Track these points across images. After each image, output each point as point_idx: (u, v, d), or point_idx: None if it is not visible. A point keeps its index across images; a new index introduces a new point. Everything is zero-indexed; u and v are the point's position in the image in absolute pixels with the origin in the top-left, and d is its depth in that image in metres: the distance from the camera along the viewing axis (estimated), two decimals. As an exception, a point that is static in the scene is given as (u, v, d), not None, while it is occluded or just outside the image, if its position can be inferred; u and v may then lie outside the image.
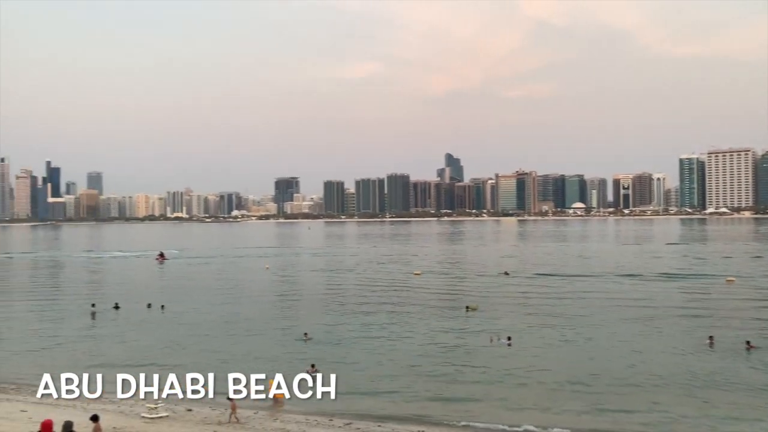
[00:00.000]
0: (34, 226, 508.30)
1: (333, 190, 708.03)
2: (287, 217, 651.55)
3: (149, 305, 50.03)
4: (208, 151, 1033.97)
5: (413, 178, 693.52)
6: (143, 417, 22.20)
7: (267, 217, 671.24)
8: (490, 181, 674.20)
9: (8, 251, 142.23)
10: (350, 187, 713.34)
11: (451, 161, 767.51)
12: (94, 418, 17.89)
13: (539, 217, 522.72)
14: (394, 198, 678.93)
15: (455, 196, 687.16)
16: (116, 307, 48.95)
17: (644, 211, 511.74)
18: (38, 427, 18.19)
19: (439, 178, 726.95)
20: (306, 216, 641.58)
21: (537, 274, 72.57)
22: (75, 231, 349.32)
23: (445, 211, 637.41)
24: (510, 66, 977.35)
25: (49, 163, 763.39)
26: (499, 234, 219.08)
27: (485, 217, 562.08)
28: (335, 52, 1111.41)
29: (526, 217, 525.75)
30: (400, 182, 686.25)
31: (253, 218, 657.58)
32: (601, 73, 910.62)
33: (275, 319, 43.91)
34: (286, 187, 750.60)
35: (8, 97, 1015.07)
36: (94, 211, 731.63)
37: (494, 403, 25.32)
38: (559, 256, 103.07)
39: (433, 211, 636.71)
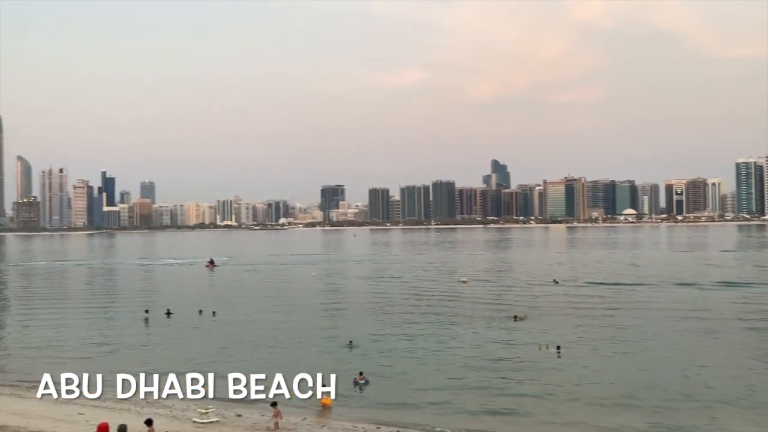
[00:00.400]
0: (90, 235, 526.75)
1: (378, 197, 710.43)
2: (333, 224, 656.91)
3: (200, 311, 51.17)
4: (256, 159, 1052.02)
5: (459, 185, 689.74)
6: (195, 422, 22.63)
7: (313, 224, 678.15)
8: (537, 188, 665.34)
9: (65, 259, 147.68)
10: (395, 195, 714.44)
11: (498, 167, 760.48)
12: (149, 422, 18.33)
13: (589, 224, 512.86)
14: (439, 205, 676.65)
15: (502, 203, 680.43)
16: (168, 314, 50.15)
17: (698, 218, 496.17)
18: (95, 429, 18.79)
19: (485, 185, 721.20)
20: (351, 223, 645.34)
21: (587, 282, 71.09)
22: (129, 239, 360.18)
23: (491, 218, 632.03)
24: (557, 70, 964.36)
25: (104, 173, 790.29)
26: (548, 241, 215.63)
27: (533, 225, 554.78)
28: (381, 59, 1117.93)
29: (575, 224, 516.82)
30: (445, 189, 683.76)
31: (300, 226, 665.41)
32: (652, 75, 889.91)
33: (321, 327, 44.15)
34: (331, 195, 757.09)
35: (65, 110, 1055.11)
36: (147, 220, 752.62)
37: (544, 417, 24.76)
38: (610, 264, 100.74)
39: (479, 219, 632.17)
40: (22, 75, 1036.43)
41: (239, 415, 23.70)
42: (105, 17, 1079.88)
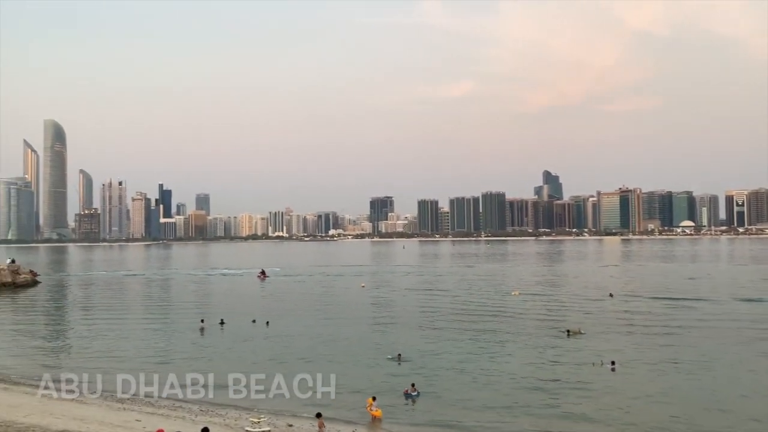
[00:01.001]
0: (147, 245, 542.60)
1: (427, 209, 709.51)
2: (382, 236, 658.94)
3: (254, 321, 52.10)
4: (307, 171, 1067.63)
5: (509, 197, 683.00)
6: (247, 430, 22.93)
7: (362, 236, 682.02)
8: (591, 199, 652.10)
9: (125, 269, 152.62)
10: (444, 206, 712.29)
11: (550, 179, 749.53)
12: (205, 431, 18.67)
13: (644, 236, 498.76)
14: (489, 217, 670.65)
15: (554, 215, 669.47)
16: (222, 323, 51.18)
17: (762, 230, 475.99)
18: (152, 436, 19.28)
19: (536, 196, 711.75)
20: (400, 235, 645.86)
21: (644, 296, 69.06)
22: (184, 250, 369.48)
23: (543, 230, 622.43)
24: (611, 79, 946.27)
25: (161, 185, 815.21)
26: (602, 254, 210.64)
27: (586, 237, 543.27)
28: (431, 71, 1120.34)
29: (630, 236, 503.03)
30: (495, 200, 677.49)
31: (349, 237, 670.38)
32: (709, 83, 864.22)
33: (370, 339, 44.20)
34: (380, 207, 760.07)
35: (124, 125, 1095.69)
36: (201, 231, 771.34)
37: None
38: (668, 277, 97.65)
39: (530, 230, 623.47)
40: (83, 92, 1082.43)
41: (290, 425, 23.91)
42: (165, 33, 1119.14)
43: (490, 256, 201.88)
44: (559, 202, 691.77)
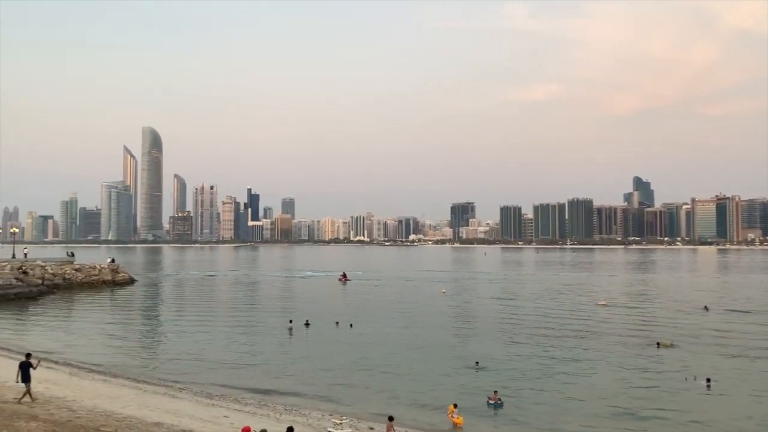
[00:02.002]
0: (236, 247, 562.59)
1: (510, 215, 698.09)
2: (463, 242, 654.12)
3: (337, 323, 53.07)
4: (389, 176, 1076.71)
5: (597, 203, 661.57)
6: (329, 431, 23.31)
7: (443, 241, 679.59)
8: (685, 207, 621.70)
9: (215, 270, 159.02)
10: (528, 213, 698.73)
11: (640, 185, 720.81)
12: (290, 430, 19.13)
13: (744, 246, 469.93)
14: (575, 224, 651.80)
15: (644, 223, 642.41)
16: (307, 324, 52.41)
17: None
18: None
19: (626, 203, 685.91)
20: (482, 241, 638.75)
21: (742, 311, 64.98)
22: (270, 252, 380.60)
23: (632, 238, 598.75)
24: (707, 81, 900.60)
25: (249, 190, 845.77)
26: (696, 264, 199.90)
27: (679, 246, 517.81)
28: (514, 74, 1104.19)
29: (727, 246, 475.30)
30: (582, 207, 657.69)
31: (430, 242, 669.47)
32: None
33: (449, 345, 43.90)
34: (461, 212, 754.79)
35: (216, 131, 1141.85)
36: (287, 234, 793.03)
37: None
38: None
39: (619, 239, 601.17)
40: (179, 101, 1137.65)
41: (371, 429, 24.12)
42: (255, 44, 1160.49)
43: (576, 264, 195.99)
44: (650, 209, 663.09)
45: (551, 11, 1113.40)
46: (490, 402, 28.07)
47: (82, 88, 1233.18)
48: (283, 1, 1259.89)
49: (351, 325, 52.21)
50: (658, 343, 42.93)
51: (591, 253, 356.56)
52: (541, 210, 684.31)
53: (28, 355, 24.54)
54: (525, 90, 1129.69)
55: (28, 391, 23.24)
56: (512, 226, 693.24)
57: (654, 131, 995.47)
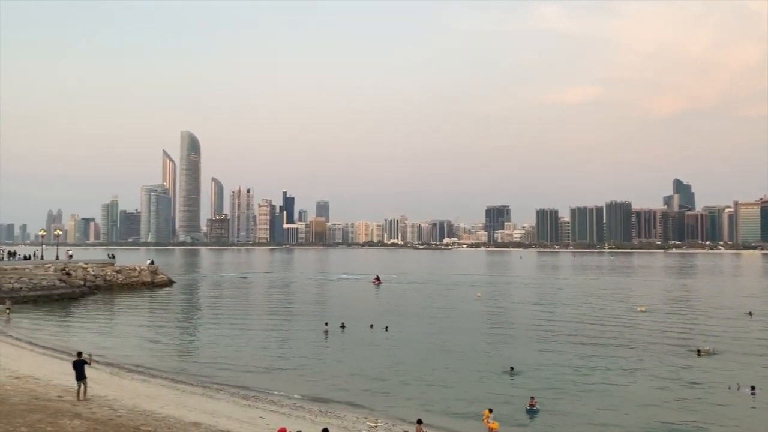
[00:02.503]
0: (271, 250, 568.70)
1: (546, 218, 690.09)
2: (498, 245, 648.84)
3: (371, 326, 53.19)
4: (422, 179, 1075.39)
5: (636, 206, 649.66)
6: (363, 434, 23.36)
7: (477, 245, 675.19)
8: (727, 210, 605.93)
9: (251, 271, 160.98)
10: (565, 216, 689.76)
11: (680, 188, 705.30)
12: (325, 432, 19.25)
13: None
14: (613, 227, 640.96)
15: (685, 226, 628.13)
16: (342, 327, 52.63)
17: None
18: (275, 433, 20.14)
19: (665, 206, 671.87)
20: (517, 245, 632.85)
21: (788, 317, 62.89)
22: (305, 254, 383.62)
23: (672, 242, 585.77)
24: (750, 82, 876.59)
25: (285, 193, 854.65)
26: (740, 269, 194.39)
27: (722, 250, 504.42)
28: (549, 77, 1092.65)
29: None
30: (620, 210, 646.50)
31: (464, 246, 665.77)
32: None
33: (483, 350, 43.52)
34: (496, 216, 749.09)
35: (253, 135, 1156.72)
36: (321, 237, 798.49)
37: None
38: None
39: (658, 242, 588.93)
40: (216, 106, 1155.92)
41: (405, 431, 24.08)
42: (289, 48, 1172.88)
43: (614, 268, 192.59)
44: (691, 212, 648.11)
45: (588, 12, 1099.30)
46: (530, 408, 27.70)
47: (122, 94, 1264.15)
48: (315, 1, 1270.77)
49: (386, 329, 52.28)
50: (699, 351, 41.86)
51: (629, 257, 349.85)
52: (578, 213, 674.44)
53: (80, 354, 25.26)
54: (561, 92, 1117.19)
55: (83, 388, 24.08)
56: (548, 230, 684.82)
57: (694, 133, 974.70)
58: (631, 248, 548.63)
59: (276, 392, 30.91)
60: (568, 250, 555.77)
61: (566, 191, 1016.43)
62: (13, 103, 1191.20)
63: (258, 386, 32.29)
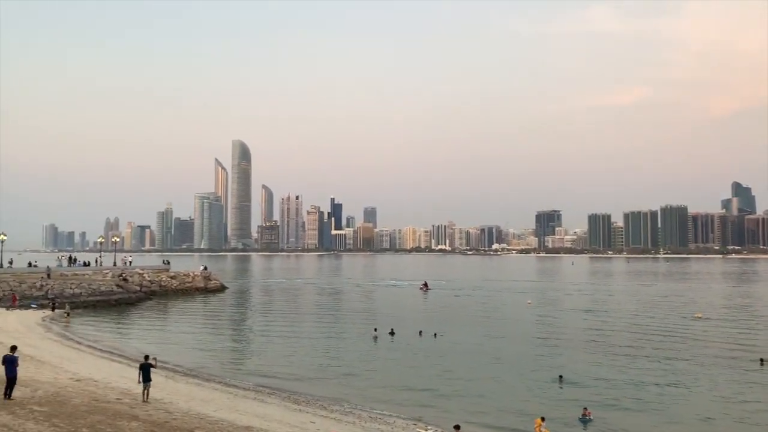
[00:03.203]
0: (320, 256, 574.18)
1: (598, 223, 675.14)
2: (548, 251, 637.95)
3: (420, 333, 53.05)
4: (470, 184, 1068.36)
5: (692, 210, 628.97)
6: (413, 440, 23.32)
7: (527, 251, 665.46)
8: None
9: (301, 277, 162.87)
10: (618, 221, 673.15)
11: (740, 191, 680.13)
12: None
13: None
14: (668, 232, 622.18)
15: (745, 231, 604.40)
16: (391, 333, 52.68)
17: None
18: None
19: (724, 210, 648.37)
20: (569, 251, 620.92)
21: None
22: (353, 260, 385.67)
23: (732, 247, 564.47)
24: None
25: (333, 199, 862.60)
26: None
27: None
28: (600, 78, 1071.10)
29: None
30: (676, 214, 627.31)
31: (514, 252, 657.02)
32: None
33: (532, 358, 42.78)
34: (547, 221, 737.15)
35: (299, 143, 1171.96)
36: (368, 243, 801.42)
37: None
38: None
39: (716, 248, 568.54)
40: (265, 114, 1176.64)
41: (455, 439, 23.88)
42: (335, 60, 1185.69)
43: (669, 274, 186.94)
44: (751, 216, 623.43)
45: (639, 12, 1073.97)
46: (583, 417, 27.09)
47: (175, 104, 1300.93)
48: (362, 10, 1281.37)
49: (435, 335, 52.05)
50: (761, 360, 40.21)
51: (686, 262, 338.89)
52: (632, 217, 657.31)
53: (147, 357, 26.16)
54: (612, 94, 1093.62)
55: (146, 390, 24.99)
56: (601, 235, 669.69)
57: (753, 134, 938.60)
58: (688, 253, 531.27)
59: (326, 397, 31.15)
60: (621, 255, 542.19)
61: (619, 195, 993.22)
62: (70, 115, 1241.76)
63: (308, 391, 32.61)
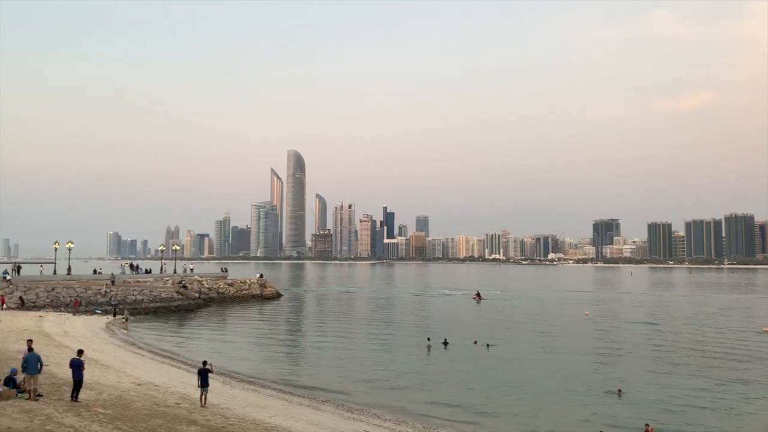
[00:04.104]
0: (372, 264, 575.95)
1: (658, 232, 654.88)
2: (606, 261, 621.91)
3: (475, 342, 52.53)
4: (525, 193, 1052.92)
5: (759, 219, 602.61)
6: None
7: (584, 260, 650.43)
8: None
9: (354, 286, 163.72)
10: (679, 230, 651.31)
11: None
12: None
13: None
14: (734, 242, 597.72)
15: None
16: (445, 343, 52.34)
17: None
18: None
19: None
20: (627, 261, 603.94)
21: None
22: (405, 269, 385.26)
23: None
24: None
25: (385, 208, 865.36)
26: None
27: None
28: (662, 84, 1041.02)
29: None
30: (741, 224, 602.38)
31: (570, 262, 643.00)
32: None
33: (589, 371, 41.71)
34: (605, 230, 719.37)
35: (353, 150, 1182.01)
36: (421, 251, 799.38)
37: None
38: None
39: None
40: (319, 124, 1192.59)
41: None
42: (387, 72, 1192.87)
43: (734, 285, 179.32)
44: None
45: (704, 14, 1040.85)
46: (645, 433, 26.20)
47: (232, 115, 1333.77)
48: (416, 19, 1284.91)
49: (488, 346, 51.41)
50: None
51: (752, 273, 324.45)
52: (694, 227, 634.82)
53: (205, 363, 26.83)
54: (675, 99, 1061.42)
55: (204, 395, 25.58)
56: (661, 245, 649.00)
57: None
58: (755, 264, 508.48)
59: (379, 406, 31.15)
60: (683, 266, 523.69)
61: (680, 203, 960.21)
62: (127, 123, 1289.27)
63: (361, 400, 32.70)
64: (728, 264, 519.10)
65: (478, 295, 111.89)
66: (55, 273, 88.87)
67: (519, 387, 36.25)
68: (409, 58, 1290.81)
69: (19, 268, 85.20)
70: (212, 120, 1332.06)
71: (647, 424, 26.81)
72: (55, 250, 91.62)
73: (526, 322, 73.19)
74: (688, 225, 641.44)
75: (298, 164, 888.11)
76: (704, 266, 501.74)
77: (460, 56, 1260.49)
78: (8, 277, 75.22)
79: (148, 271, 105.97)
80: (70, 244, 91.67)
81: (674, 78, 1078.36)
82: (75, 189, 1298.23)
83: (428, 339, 52.81)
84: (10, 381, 23.14)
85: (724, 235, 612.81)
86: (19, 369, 23.42)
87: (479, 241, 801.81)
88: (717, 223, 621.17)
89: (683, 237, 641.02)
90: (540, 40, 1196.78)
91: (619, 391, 34.38)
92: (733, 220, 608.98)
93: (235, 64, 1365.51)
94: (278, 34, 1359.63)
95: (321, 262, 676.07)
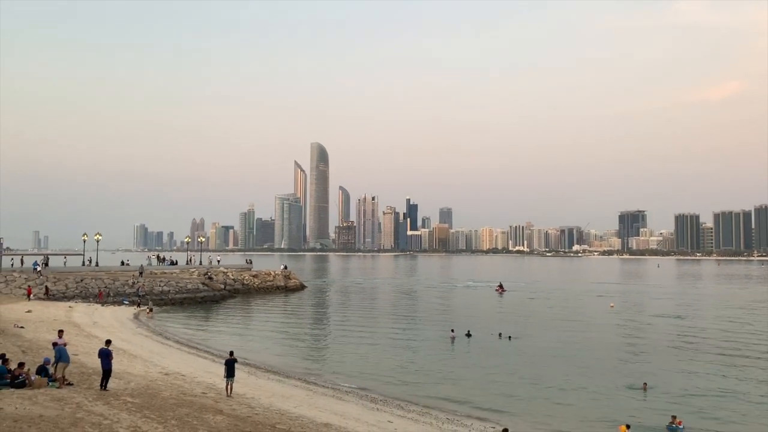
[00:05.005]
0: (395, 256, 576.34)
1: (686, 224, 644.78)
2: (632, 253, 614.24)
3: (500, 335, 52.34)
4: (550, 184, 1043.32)
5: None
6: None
7: (610, 252, 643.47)
8: None
9: (378, 277, 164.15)
10: (707, 221, 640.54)
11: None
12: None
13: None
14: (764, 233, 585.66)
15: None
16: (468, 335, 52.24)
17: None
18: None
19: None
20: (654, 252, 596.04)
21: None
22: (428, 261, 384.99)
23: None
24: None
25: (408, 200, 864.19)
26: None
27: None
28: (688, 73, 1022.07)
29: None
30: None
31: (595, 254, 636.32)
32: None
33: (614, 364, 41.27)
34: (631, 222, 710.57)
35: (375, 145, 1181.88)
36: (444, 243, 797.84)
37: None
38: None
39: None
40: (341, 114, 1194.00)
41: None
42: (401, 63, 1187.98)
43: (764, 278, 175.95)
44: None
45: (726, 3, 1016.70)
46: (672, 425, 25.89)
47: (258, 108, 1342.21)
48: (442, 12, 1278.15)
49: (509, 338, 51.14)
50: None
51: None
52: (723, 218, 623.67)
53: (231, 353, 27.21)
54: (701, 90, 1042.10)
55: (230, 385, 25.98)
56: (689, 236, 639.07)
57: None
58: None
59: (402, 397, 31.24)
60: (711, 258, 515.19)
61: (708, 195, 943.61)
62: (155, 108, 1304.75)
63: (385, 391, 32.82)
64: (758, 256, 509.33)
65: (501, 286, 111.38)
66: (85, 263, 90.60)
67: (542, 379, 36.05)
68: (436, 48, 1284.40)
69: (47, 260, 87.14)
70: (237, 113, 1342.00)
71: (674, 416, 26.50)
72: (84, 241, 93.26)
73: (549, 314, 72.70)
74: (716, 216, 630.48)
75: (321, 157, 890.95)
76: (733, 258, 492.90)
77: (492, 51, 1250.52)
78: (39, 269, 76.88)
79: (174, 263, 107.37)
80: (98, 236, 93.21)
81: (702, 68, 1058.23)
82: (103, 180, 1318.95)
83: (452, 330, 52.75)
84: (42, 370, 23.70)
85: (753, 226, 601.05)
86: (52, 358, 24.02)
87: (503, 233, 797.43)
88: (746, 215, 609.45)
89: (711, 228, 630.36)
90: (565, 31, 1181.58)
91: (645, 384, 33.97)
92: (763, 211, 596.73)
93: (262, 57, 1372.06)
94: (308, 26, 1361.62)
95: (344, 254, 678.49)
